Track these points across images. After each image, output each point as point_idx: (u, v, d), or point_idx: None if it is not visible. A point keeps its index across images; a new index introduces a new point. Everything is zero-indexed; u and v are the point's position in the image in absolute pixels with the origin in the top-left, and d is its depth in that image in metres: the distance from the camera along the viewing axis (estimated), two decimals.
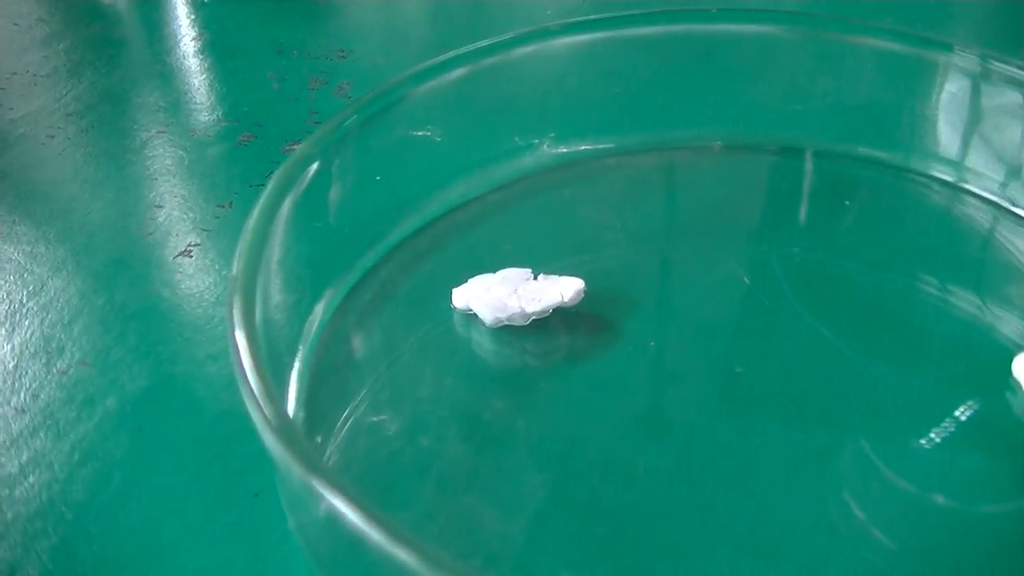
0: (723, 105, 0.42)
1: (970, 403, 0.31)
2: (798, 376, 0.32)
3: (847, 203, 0.40)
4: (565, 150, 0.41)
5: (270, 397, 0.25)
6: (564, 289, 0.33)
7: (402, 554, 0.21)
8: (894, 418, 0.31)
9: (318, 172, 0.34)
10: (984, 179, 0.39)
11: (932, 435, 0.30)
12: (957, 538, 0.28)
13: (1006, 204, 0.39)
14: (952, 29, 0.54)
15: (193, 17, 0.57)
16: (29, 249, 0.39)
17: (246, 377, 0.26)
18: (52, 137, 0.46)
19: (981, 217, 0.39)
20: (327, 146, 0.34)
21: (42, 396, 0.33)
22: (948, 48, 0.39)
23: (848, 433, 0.30)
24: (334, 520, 0.22)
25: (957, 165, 0.40)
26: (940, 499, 0.28)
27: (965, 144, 0.40)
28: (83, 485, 0.30)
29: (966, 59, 0.39)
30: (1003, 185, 0.39)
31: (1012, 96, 0.38)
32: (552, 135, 0.41)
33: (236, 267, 0.29)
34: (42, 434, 0.32)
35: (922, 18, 0.53)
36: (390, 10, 0.58)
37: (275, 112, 0.47)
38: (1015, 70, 0.38)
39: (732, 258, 0.37)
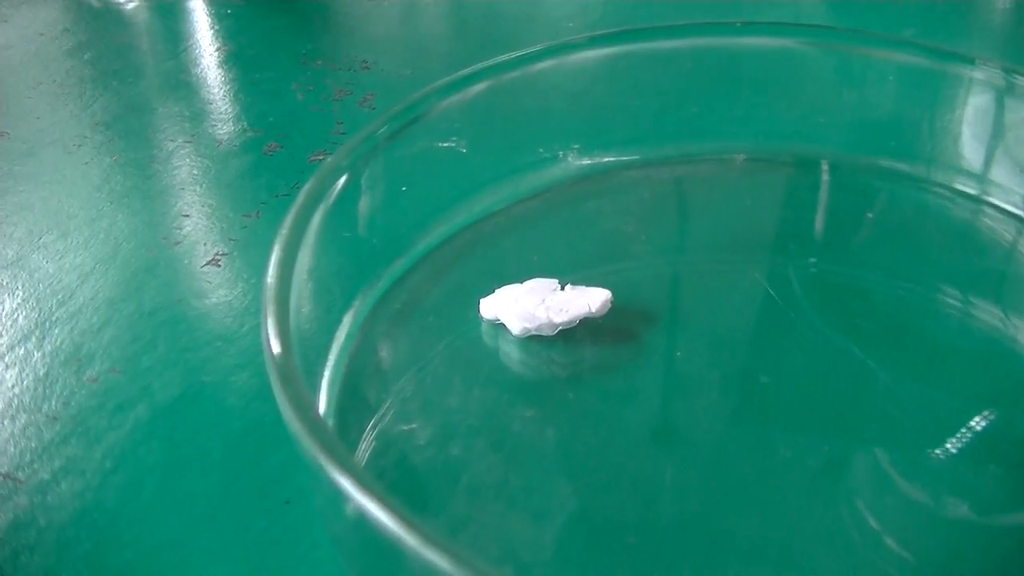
0: (746, 118, 0.43)
1: (988, 414, 0.31)
2: (818, 387, 0.33)
3: (869, 215, 0.40)
4: (589, 162, 0.42)
5: (308, 404, 0.25)
6: (591, 300, 0.34)
7: (437, 559, 0.21)
8: (913, 429, 0.31)
9: (347, 183, 0.34)
10: (1007, 192, 0.39)
11: (951, 446, 0.30)
12: (973, 549, 0.28)
13: None
14: (975, 40, 0.54)
15: (217, 28, 0.57)
16: (57, 258, 0.40)
17: (282, 385, 0.26)
18: (79, 146, 0.47)
19: (1003, 230, 0.39)
20: (357, 157, 0.34)
21: (73, 403, 0.33)
22: (970, 62, 0.39)
23: (868, 444, 0.30)
24: (369, 524, 0.23)
25: (979, 178, 0.40)
26: (958, 510, 0.29)
27: (987, 157, 0.40)
28: (115, 492, 0.30)
29: (988, 72, 0.39)
30: None
31: None
32: (576, 147, 0.41)
33: (269, 276, 0.29)
34: (74, 441, 0.32)
35: (944, 29, 0.54)
36: (413, 22, 0.58)
37: (300, 123, 0.48)
38: None
39: (757, 270, 0.37)
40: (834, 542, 0.28)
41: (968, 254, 0.39)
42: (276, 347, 0.27)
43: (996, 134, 0.40)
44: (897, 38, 0.42)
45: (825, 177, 0.42)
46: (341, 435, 0.31)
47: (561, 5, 0.58)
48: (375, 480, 0.24)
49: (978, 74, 0.39)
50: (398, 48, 0.55)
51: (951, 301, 0.36)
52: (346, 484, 0.23)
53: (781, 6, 0.56)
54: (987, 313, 0.35)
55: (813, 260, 0.37)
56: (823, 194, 0.41)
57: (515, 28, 0.56)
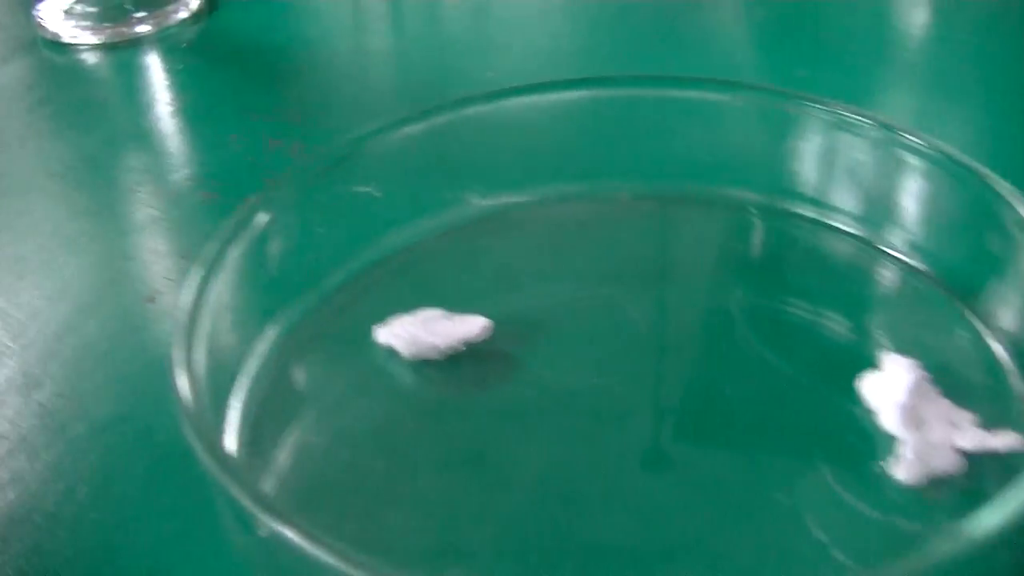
0: (630, 159, 0.46)
1: None
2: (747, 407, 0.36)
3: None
4: (490, 203, 0.46)
5: (209, 430, 0.30)
6: (472, 327, 0.38)
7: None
8: (860, 449, 0.34)
9: (267, 224, 0.38)
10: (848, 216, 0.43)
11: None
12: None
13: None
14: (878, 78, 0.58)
15: (168, 83, 0.62)
16: (12, 296, 0.44)
17: (187, 413, 0.30)
18: (38, 191, 0.52)
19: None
20: (276, 200, 0.39)
21: (21, 424, 0.38)
22: (810, 102, 0.42)
23: (809, 460, 0.33)
24: (275, 547, 0.26)
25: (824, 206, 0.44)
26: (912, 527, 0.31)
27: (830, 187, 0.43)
28: (53, 498, 0.35)
29: (827, 111, 0.42)
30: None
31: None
32: (478, 189, 0.45)
33: (181, 313, 0.33)
34: (20, 456, 0.37)
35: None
36: (353, 77, 0.63)
37: (236, 171, 0.52)
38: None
39: (632, 301, 0.41)
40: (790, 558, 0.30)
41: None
42: (182, 378, 0.31)
43: (836, 166, 0.43)
44: (736, 82, 0.46)
45: (688, 212, 0.45)
46: (252, 459, 0.34)
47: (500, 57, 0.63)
48: (277, 502, 0.28)
49: (819, 113, 0.43)
50: (334, 101, 0.59)
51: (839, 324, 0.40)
52: (252, 509, 0.27)
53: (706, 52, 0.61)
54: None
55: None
56: (688, 228, 0.45)
57: (452, 82, 0.60)
